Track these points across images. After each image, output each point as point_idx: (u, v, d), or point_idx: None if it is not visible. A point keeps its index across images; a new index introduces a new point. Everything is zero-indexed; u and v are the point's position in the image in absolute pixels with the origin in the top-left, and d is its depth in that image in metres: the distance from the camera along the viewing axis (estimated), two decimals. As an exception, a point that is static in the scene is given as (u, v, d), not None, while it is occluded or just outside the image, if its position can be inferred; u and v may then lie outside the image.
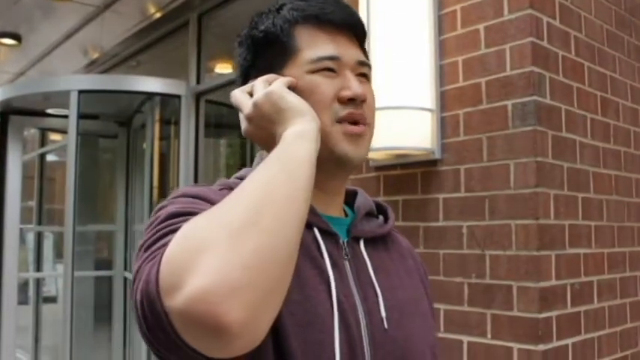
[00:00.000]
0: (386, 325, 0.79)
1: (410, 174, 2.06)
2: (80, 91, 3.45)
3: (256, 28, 0.85)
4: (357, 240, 0.84)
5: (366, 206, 0.90)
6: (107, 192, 4.65)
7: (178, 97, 3.55)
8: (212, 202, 0.68)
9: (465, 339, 1.84)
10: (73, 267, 3.35)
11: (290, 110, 0.74)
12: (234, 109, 0.82)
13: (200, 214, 0.62)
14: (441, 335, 1.91)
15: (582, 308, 1.87)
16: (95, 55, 4.84)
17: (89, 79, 4.07)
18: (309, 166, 0.68)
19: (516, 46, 1.81)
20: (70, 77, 4.23)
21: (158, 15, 3.95)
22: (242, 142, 4.00)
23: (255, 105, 0.76)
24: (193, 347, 0.57)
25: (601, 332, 1.94)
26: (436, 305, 1.92)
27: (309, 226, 0.77)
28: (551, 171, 1.80)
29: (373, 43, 1.98)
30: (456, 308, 1.88)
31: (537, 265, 1.71)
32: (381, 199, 2.13)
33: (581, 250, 1.91)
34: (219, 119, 3.97)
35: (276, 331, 0.68)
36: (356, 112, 0.81)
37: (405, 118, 1.94)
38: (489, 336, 1.79)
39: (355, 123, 0.81)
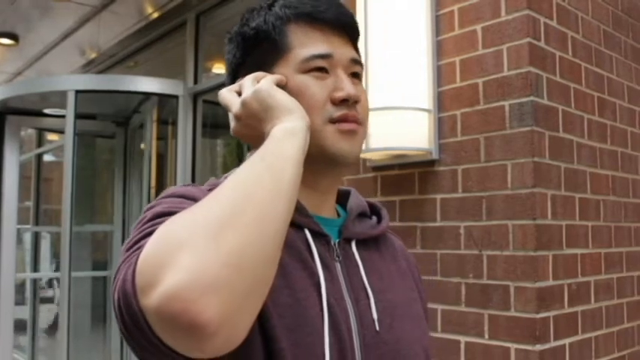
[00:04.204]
0: (377, 328, 0.78)
1: (407, 174, 2.06)
2: (77, 91, 3.45)
3: (247, 25, 0.84)
4: (348, 241, 0.83)
5: (359, 207, 0.89)
6: (105, 192, 4.65)
7: (176, 97, 3.55)
8: None
9: (463, 339, 1.85)
10: (70, 267, 3.34)
11: (278, 108, 0.72)
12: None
13: (182, 211, 0.61)
14: (438, 335, 1.91)
15: (579, 308, 1.87)
16: (92, 55, 4.83)
17: (86, 79, 4.06)
18: (296, 164, 0.66)
19: (513, 47, 1.81)
20: (67, 77, 4.22)
21: (155, 15, 3.94)
22: (239, 142, 4.00)
23: (244, 103, 0.75)
24: (170, 347, 0.56)
25: (598, 332, 1.94)
26: (433, 305, 1.93)
27: (299, 227, 0.77)
28: (548, 171, 1.80)
29: (370, 43, 1.97)
30: (453, 308, 1.88)
31: (534, 265, 1.71)
32: (378, 199, 2.13)
33: (579, 251, 1.91)
34: (217, 119, 3.97)
35: (266, 333, 0.67)
36: (349, 114, 0.79)
37: (402, 118, 1.94)
38: (487, 336, 1.79)
39: (348, 122, 0.79)
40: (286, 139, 0.68)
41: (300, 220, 0.77)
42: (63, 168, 3.44)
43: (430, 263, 1.95)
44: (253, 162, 0.65)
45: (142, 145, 4.07)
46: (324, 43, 0.80)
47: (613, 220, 2.11)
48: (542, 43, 1.83)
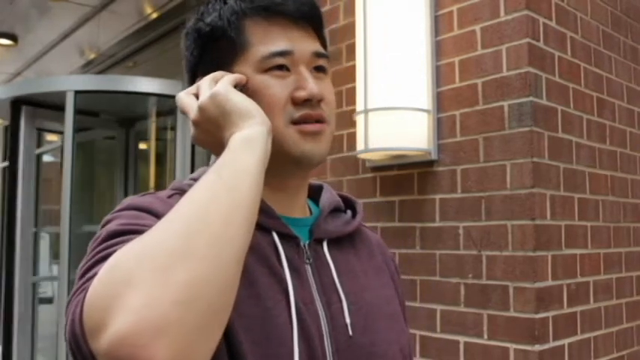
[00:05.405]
0: (350, 332, 0.74)
1: (406, 175, 2.06)
2: (77, 92, 3.44)
3: (202, 21, 0.78)
4: (320, 241, 0.79)
5: (332, 203, 0.84)
6: (105, 192, 4.64)
7: (175, 97, 3.55)
8: (158, 215, 0.63)
9: (462, 339, 1.85)
10: (69, 268, 3.34)
11: (236, 113, 0.67)
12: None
13: (132, 241, 0.56)
14: (437, 336, 1.91)
15: (578, 308, 1.87)
16: (92, 56, 4.84)
17: (86, 80, 4.05)
18: (255, 178, 0.62)
19: (512, 47, 1.81)
20: (67, 77, 4.22)
21: (155, 15, 3.94)
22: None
23: (201, 109, 0.70)
24: None
25: (597, 332, 1.94)
26: (433, 306, 1.93)
27: (267, 230, 0.74)
28: (547, 171, 1.80)
29: (370, 44, 1.98)
30: (452, 309, 1.88)
31: (534, 265, 1.71)
32: (377, 200, 2.13)
33: (578, 251, 1.91)
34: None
35: (233, 348, 0.64)
36: (313, 113, 0.75)
37: (401, 118, 1.94)
38: (486, 336, 1.79)
39: (311, 123, 0.75)
40: (244, 150, 0.64)
41: (267, 223, 0.73)
42: (62, 168, 3.43)
43: (429, 263, 1.95)
44: (208, 180, 0.61)
45: (142, 146, 4.07)
46: (283, 39, 0.75)
47: (612, 221, 2.11)
48: (541, 44, 1.84)
